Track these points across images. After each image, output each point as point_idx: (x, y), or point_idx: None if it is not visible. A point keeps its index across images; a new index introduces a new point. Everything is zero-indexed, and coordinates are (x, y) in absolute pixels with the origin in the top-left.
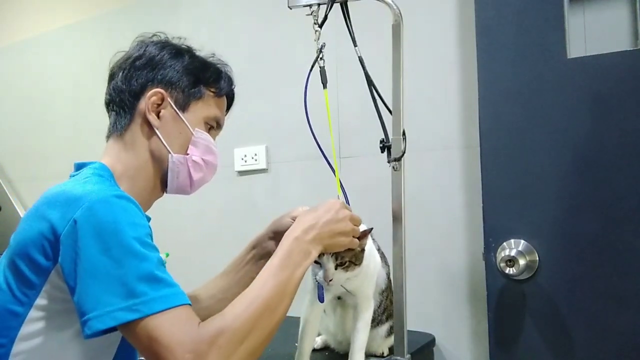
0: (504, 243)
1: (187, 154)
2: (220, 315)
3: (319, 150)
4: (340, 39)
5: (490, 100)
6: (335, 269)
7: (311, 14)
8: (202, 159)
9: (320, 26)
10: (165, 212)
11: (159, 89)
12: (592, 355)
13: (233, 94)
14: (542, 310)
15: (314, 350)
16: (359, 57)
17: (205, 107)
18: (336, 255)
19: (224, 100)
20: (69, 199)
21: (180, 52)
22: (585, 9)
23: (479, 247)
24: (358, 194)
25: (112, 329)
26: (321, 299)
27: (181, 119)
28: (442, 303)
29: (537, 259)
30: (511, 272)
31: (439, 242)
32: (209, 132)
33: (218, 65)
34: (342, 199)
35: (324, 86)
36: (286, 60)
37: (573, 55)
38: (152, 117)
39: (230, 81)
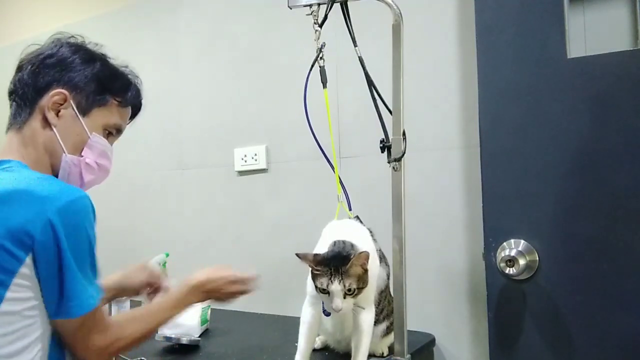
0: (504, 243)
1: (82, 156)
2: (120, 327)
3: (319, 149)
4: (340, 39)
5: (490, 100)
6: (344, 297)
7: (311, 14)
8: (96, 162)
9: (320, 26)
10: (166, 212)
11: (62, 90)
12: (592, 355)
13: (140, 105)
14: (542, 310)
15: (314, 350)
16: (359, 57)
17: (107, 114)
18: (344, 284)
19: (129, 109)
20: (34, 197)
21: (93, 58)
22: (585, 9)
23: (479, 247)
24: (358, 194)
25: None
26: (327, 313)
27: (80, 121)
28: (442, 303)
29: (537, 259)
30: (511, 272)
31: (439, 242)
32: (107, 138)
33: (129, 77)
34: (343, 197)
35: (324, 86)
36: (286, 60)
37: (573, 55)
38: (50, 115)
39: (137, 93)
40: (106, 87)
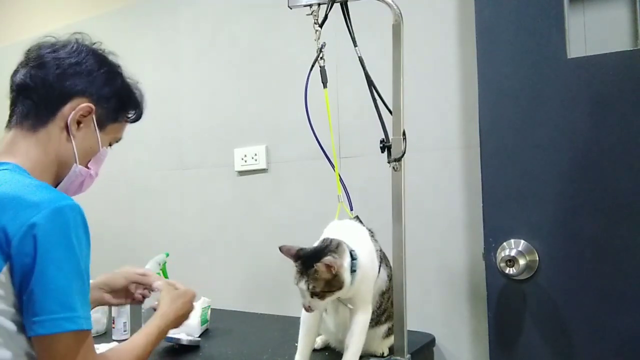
0: (504, 243)
1: (89, 168)
2: (115, 357)
3: (320, 148)
4: (340, 39)
5: (490, 100)
6: (311, 297)
7: (311, 14)
8: (96, 172)
9: (321, 26)
10: (166, 212)
11: (89, 104)
12: (592, 356)
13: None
14: (542, 310)
15: (315, 350)
16: (359, 57)
17: (117, 129)
18: (308, 285)
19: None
20: (23, 203)
21: (115, 74)
22: (585, 9)
23: (479, 247)
24: (358, 194)
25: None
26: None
27: (97, 135)
28: (442, 303)
29: (537, 259)
30: (511, 272)
31: (439, 242)
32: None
33: (137, 93)
34: (343, 197)
35: (324, 85)
36: (286, 60)
37: (573, 55)
38: (74, 127)
39: (142, 110)
40: (123, 105)
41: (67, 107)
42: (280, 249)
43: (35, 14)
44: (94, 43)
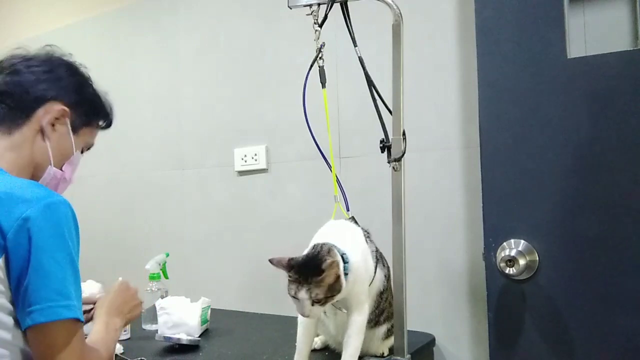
0: (504, 243)
1: (62, 171)
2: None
3: (318, 149)
4: (340, 39)
5: (490, 100)
6: (312, 305)
7: (311, 14)
8: (70, 177)
9: (320, 26)
10: (166, 212)
11: (64, 107)
12: (592, 356)
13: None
14: (542, 310)
15: (314, 350)
16: (359, 57)
17: (89, 135)
18: (310, 293)
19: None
20: (15, 199)
21: (85, 84)
22: (585, 9)
23: (479, 247)
24: (358, 194)
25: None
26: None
27: (70, 138)
28: (442, 303)
29: (537, 259)
30: (511, 272)
31: (439, 242)
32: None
33: (106, 103)
34: (340, 197)
35: (323, 86)
36: (286, 60)
37: (573, 55)
38: (49, 129)
39: (112, 119)
40: (94, 111)
41: (41, 110)
42: (271, 261)
43: (35, 15)
44: (64, 54)
